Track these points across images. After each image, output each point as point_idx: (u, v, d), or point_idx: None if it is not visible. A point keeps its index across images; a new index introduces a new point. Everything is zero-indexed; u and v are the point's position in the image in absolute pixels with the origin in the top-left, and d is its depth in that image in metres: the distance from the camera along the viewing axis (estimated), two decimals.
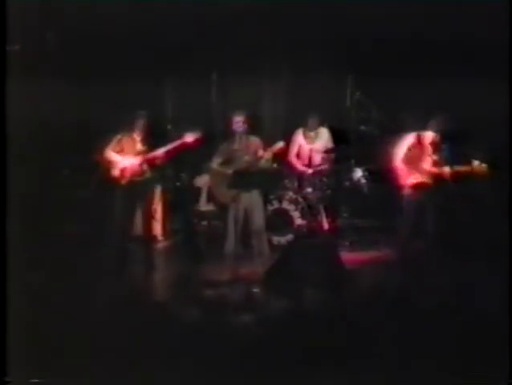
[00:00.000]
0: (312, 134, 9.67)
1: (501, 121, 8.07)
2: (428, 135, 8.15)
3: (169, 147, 8.46)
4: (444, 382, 4.85)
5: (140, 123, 8.48)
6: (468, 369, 4.84)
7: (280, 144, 8.44)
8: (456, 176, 8.04)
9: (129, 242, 8.61)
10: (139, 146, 8.52)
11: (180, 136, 8.46)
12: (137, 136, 8.51)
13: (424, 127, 8.17)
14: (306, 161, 9.73)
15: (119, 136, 8.52)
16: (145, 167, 8.47)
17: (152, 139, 8.58)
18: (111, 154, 8.41)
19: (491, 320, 5.14)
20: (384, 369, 4.85)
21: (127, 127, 8.53)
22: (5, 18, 6.54)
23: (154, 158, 8.47)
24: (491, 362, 4.91)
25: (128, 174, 8.40)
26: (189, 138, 8.41)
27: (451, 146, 8.20)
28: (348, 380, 4.87)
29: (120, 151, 8.45)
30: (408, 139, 8.25)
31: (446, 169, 8.02)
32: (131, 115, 8.54)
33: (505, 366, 4.96)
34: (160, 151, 8.46)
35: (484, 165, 7.89)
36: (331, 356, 4.92)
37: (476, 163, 7.89)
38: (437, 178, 8.06)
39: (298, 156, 9.75)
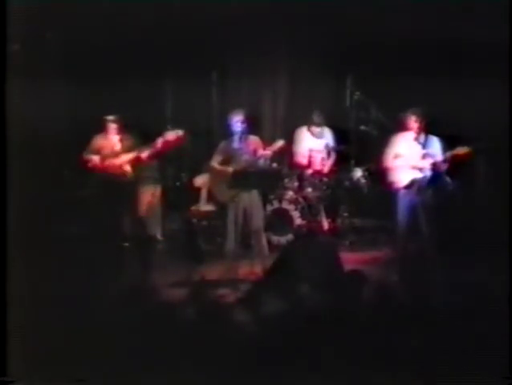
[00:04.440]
0: (319, 130, 9.64)
1: (500, 121, 8.08)
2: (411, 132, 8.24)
3: (151, 147, 8.47)
4: (444, 380, 4.86)
5: (113, 125, 8.55)
6: (467, 368, 4.84)
7: (280, 143, 8.44)
8: (445, 164, 8.11)
9: (128, 242, 8.63)
10: (117, 147, 8.59)
11: (161, 135, 8.47)
12: (113, 137, 8.58)
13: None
14: (307, 161, 9.73)
15: (96, 137, 8.60)
16: (127, 168, 8.52)
17: (131, 140, 8.62)
18: (88, 155, 8.53)
19: (491, 319, 5.14)
20: (383, 368, 4.85)
21: (102, 129, 8.61)
22: (5, 18, 6.53)
23: (137, 159, 8.53)
24: (491, 361, 4.91)
25: (108, 174, 8.49)
26: (171, 136, 8.40)
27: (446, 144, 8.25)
28: (348, 380, 4.87)
29: (98, 152, 8.55)
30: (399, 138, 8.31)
31: (436, 159, 8.10)
32: (102, 120, 8.61)
33: (505, 365, 4.96)
34: (144, 154, 8.50)
35: (467, 148, 7.99)
36: (331, 356, 4.92)
37: (459, 148, 8.00)
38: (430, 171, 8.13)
39: (300, 155, 9.74)
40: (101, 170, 8.58)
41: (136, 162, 8.58)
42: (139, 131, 8.83)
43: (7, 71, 6.40)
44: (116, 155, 8.58)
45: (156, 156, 8.68)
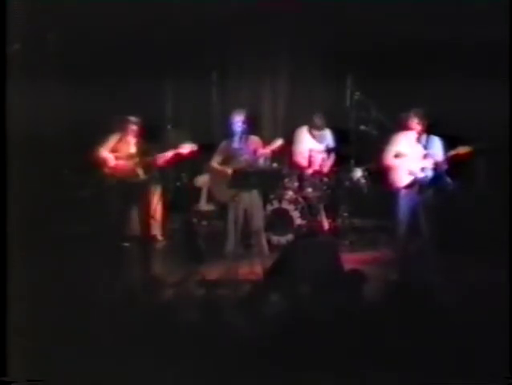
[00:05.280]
0: (320, 133, 9.65)
1: (500, 121, 8.08)
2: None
3: (164, 156, 8.50)
4: (443, 380, 4.86)
5: (133, 127, 8.54)
6: (467, 368, 4.84)
7: (279, 142, 8.43)
8: (446, 164, 8.11)
9: (129, 242, 8.63)
10: (132, 149, 8.58)
11: (175, 146, 8.48)
12: (131, 139, 8.58)
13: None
14: (307, 160, 9.74)
15: (113, 136, 8.58)
16: (139, 170, 8.52)
17: (146, 144, 8.62)
18: (105, 152, 8.49)
19: (491, 319, 5.14)
20: (383, 368, 4.85)
21: (120, 129, 8.60)
22: (5, 18, 6.53)
23: (149, 163, 8.54)
24: (491, 361, 4.91)
25: (119, 174, 8.48)
26: (185, 149, 8.44)
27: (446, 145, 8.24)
28: (348, 380, 4.87)
29: (113, 152, 8.54)
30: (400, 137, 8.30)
31: (436, 159, 8.10)
32: (123, 119, 8.59)
33: (505, 365, 4.96)
34: (155, 159, 8.51)
35: (468, 147, 7.99)
36: (331, 356, 4.92)
37: (461, 147, 8.00)
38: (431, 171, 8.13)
39: (299, 154, 9.75)
40: (111, 169, 8.56)
41: (148, 166, 8.58)
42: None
43: (7, 71, 6.39)
44: (131, 157, 8.57)
45: (167, 163, 8.72)
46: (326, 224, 9.56)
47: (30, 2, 7.67)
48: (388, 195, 8.42)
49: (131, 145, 8.62)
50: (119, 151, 8.57)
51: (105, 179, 8.57)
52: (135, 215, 8.78)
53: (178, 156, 8.51)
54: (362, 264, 8.09)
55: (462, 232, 8.23)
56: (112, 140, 8.61)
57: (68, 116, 9.15)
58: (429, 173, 8.16)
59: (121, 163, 8.52)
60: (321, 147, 9.67)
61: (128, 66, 9.68)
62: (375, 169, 9.26)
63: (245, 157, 8.41)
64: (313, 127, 9.63)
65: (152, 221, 9.24)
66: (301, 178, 9.66)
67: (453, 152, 8.09)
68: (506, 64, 8.04)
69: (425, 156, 8.18)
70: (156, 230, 9.38)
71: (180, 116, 10.40)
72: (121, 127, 8.62)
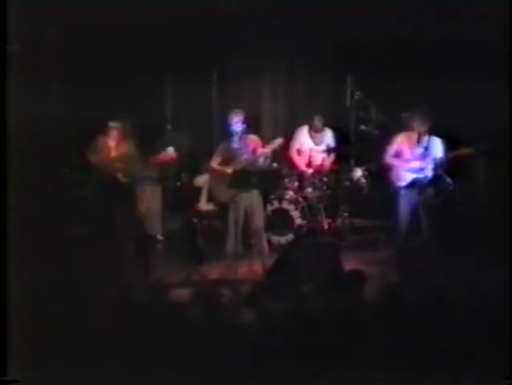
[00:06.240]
0: (319, 135, 9.67)
1: (500, 121, 8.08)
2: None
3: (147, 161, 8.80)
4: (444, 380, 4.86)
5: (113, 132, 8.57)
6: (467, 368, 4.84)
7: (279, 141, 8.42)
8: (447, 164, 8.10)
9: (128, 242, 8.62)
10: (113, 154, 8.61)
11: (156, 154, 8.69)
12: (112, 143, 8.61)
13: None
14: (307, 160, 9.74)
15: (98, 138, 8.61)
16: (119, 175, 8.56)
17: (128, 148, 8.65)
18: (89, 156, 8.56)
19: (491, 319, 5.14)
20: (383, 368, 4.85)
21: (103, 132, 8.63)
22: (5, 18, 6.53)
23: (127, 168, 8.65)
24: (491, 361, 4.91)
25: (103, 176, 8.56)
26: (165, 157, 8.76)
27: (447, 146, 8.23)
28: (348, 380, 4.87)
29: (95, 153, 8.57)
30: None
31: (437, 159, 8.08)
32: (104, 124, 8.63)
33: (506, 365, 4.96)
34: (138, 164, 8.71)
35: (470, 148, 7.98)
36: (331, 356, 4.92)
37: (463, 148, 7.99)
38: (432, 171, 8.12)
39: (299, 153, 9.75)
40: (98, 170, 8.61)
41: (126, 171, 8.63)
42: (139, 132, 8.85)
43: (7, 71, 6.39)
44: (110, 161, 8.59)
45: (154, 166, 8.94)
46: (326, 224, 9.57)
47: (30, 1, 7.67)
48: (388, 195, 8.42)
49: (111, 149, 8.66)
50: (99, 154, 8.60)
51: (102, 179, 8.59)
52: (131, 215, 8.81)
53: (159, 161, 8.70)
54: (362, 264, 8.09)
55: (462, 232, 8.23)
56: (97, 142, 8.64)
57: (68, 116, 9.16)
58: (429, 173, 8.15)
59: (101, 165, 8.57)
60: (319, 148, 9.69)
61: (128, 66, 9.68)
62: (375, 169, 9.27)
63: (245, 157, 8.39)
64: (312, 128, 9.65)
65: (152, 221, 9.25)
66: (301, 178, 9.66)
67: (454, 153, 8.08)
68: (506, 64, 8.04)
69: (425, 156, 8.17)
70: (156, 230, 9.38)
71: (179, 117, 10.39)
72: (104, 131, 8.65)
